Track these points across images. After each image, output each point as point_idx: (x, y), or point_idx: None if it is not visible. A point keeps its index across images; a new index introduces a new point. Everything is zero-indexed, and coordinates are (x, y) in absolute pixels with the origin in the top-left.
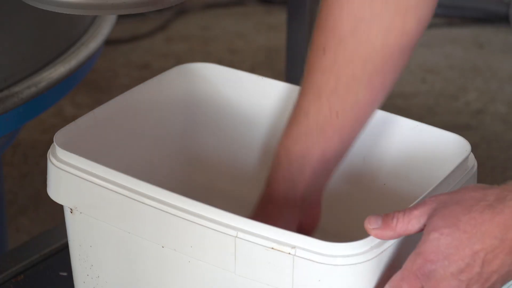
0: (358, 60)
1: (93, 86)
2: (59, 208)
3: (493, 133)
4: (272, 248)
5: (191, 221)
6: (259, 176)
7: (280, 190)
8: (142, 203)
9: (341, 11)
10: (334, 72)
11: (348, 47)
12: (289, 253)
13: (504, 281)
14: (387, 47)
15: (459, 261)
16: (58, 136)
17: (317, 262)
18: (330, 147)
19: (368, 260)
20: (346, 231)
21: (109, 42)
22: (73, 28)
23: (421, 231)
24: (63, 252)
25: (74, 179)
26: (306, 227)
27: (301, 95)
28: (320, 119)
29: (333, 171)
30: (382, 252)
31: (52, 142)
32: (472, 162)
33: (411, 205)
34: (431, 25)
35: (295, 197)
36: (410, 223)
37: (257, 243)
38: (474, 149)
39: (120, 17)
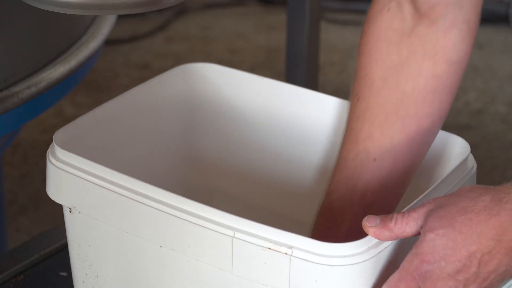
0: (390, 105)
1: (93, 86)
2: (59, 208)
3: (493, 133)
4: (269, 248)
5: (189, 221)
6: (258, 176)
7: (322, 233)
8: (141, 203)
9: (371, 59)
10: (367, 118)
11: (379, 93)
12: (286, 253)
13: (502, 279)
14: (417, 91)
15: (455, 262)
16: (58, 136)
17: (314, 262)
18: (369, 191)
19: (365, 260)
20: None
21: (109, 42)
22: (73, 28)
23: (418, 233)
24: (63, 252)
25: (73, 179)
26: None
27: (342, 144)
28: (358, 164)
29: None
30: (379, 252)
31: (52, 142)
32: (472, 162)
33: (409, 206)
34: None
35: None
36: (408, 224)
37: (254, 243)
38: (474, 149)
39: (120, 17)
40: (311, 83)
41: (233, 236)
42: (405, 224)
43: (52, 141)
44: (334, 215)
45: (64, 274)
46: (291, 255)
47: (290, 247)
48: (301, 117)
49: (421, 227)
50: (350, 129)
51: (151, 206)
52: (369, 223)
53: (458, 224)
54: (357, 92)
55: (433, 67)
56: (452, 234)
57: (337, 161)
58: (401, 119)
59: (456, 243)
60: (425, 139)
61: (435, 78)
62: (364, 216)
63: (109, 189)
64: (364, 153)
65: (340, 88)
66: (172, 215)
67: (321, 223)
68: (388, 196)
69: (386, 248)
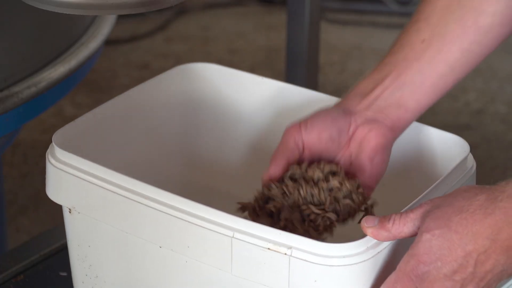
0: None
1: (93, 86)
2: (59, 208)
3: (493, 133)
4: (269, 248)
5: (188, 221)
6: (258, 176)
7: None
8: (140, 203)
9: None
10: (433, 1)
11: None
12: (285, 254)
13: (499, 279)
14: None
15: (452, 262)
16: (57, 136)
17: (313, 262)
18: (404, 71)
19: (364, 260)
20: (345, 231)
21: (109, 42)
22: (73, 28)
23: (416, 234)
24: (63, 252)
25: (72, 179)
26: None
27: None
28: (404, 41)
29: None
30: (378, 253)
31: (51, 142)
32: (471, 162)
33: (408, 206)
34: None
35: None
36: (405, 225)
37: (253, 244)
38: (474, 149)
39: (120, 17)
40: (311, 83)
41: (233, 237)
42: (402, 225)
43: (51, 141)
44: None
45: (64, 274)
46: (291, 255)
47: (289, 248)
48: (301, 117)
49: (418, 228)
50: (416, 11)
51: (150, 207)
52: (367, 223)
53: (454, 224)
54: None
55: None
56: (448, 234)
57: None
58: (461, 9)
59: (452, 243)
60: (479, 38)
61: None
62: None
63: (108, 190)
64: (415, 31)
65: (340, 88)
66: (172, 215)
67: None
68: (420, 85)
69: (385, 248)
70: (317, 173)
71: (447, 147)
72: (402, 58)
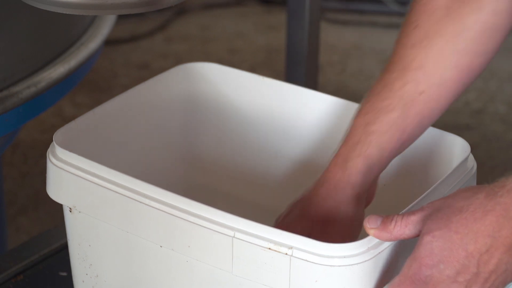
0: (449, 36)
1: (93, 86)
2: (59, 208)
3: (493, 133)
4: (269, 248)
5: (189, 221)
6: (258, 175)
7: (352, 177)
8: (141, 202)
9: None
10: (423, 47)
11: (440, 22)
12: (286, 254)
13: (505, 280)
14: (478, 25)
15: (454, 263)
16: (58, 135)
17: (314, 262)
18: (409, 127)
19: (365, 261)
20: None
21: (109, 42)
22: (73, 28)
23: (417, 236)
24: (63, 252)
25: (73, 178)
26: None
27: (387, 71)
28: (404, 95)
29: (402, 150)
30: (379, 253)
31: (52, 142)
32: (472, 163)
33: (409, 206)
34: None
35: (368, 178)
36: (407, 227)
37: (254, 244)
38: (474, 149)
39: (120, 17)
40: (311, 83)
41: (233, 236)
42: (404, 227)
43: (52, 141)
44: (369, 153)
45: (64, 274)
46: (291, 255)
47: (290, 248)
48: (301, 117)
49: (420, 231)
50: (399, 56)
51: (151, 206)
52: (369, 224)
53: (454, 225)
54: (415, 19)
55: (496, 2)
56: (448, 235)
57: (377, 88)
58: (457, 53)
59: (453, 243)
60: (469, 80)
61: (496, 14)
62: (396, 153)
63: (109, 189)
64: (413, 84)
65: (340, 88)
66: (173, 215)
67: (351, 156)
68: (417, 136)
69: (386, 249)
70: None
71: (447, 147)
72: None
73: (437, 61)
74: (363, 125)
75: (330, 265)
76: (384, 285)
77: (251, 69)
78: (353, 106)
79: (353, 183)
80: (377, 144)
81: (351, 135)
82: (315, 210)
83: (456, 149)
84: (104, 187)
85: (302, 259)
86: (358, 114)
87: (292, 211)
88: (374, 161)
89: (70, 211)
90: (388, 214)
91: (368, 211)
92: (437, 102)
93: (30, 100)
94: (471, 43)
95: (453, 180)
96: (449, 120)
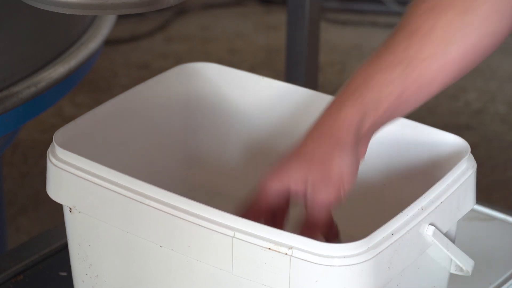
0: (460, 8)
1: (93, 86)
2: (59, 208)
3: (493, 133)
4: (269, 248)
5: (189, 221)
6: (258, 175)
7: (346, 121)
8: (141, 202)
9: None
10: (433, 16)
11: None
12: (286, 254)
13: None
14: (490, 2)
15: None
16: (58, 135)
17: (314, 262)
18: (408, 90)
19: (365, 261)
20: (345, 231)
21: (109, 42)
22: (73, 28)
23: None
24: (62, 252)
25: (73, 178)
26: None
27: (392, 34)
28: (406, 58)
29: (396, 118)
30: (379, 253)
31: (52, 142)
32: (472, 162)
33: (409, 206)
34: None
35: (362, 128)
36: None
37: (254, 244)
38: (474, 149)
39: (120, 17)
40: (311, 83)
41: (233, 236)
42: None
43: (52, 141)
44: (365, 103)
45: (64, 274)
46: (291, 255)
47: (290, 247)
48: (301, 117)
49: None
50: (408, 22)
51: (151, 206)
52: None
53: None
54: None
55: None
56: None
57: (385, 46)
58: (465, 27)
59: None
60: (472, 62)
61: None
62: (392, 115)
63: (109, 189)
64: (417, 49)
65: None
66: (172, 215)
67: (345, 107)
68: (416, 104)
69: (386, 248)
70: None
71: (447, 147)
72: None
73: (444, 31)
74: (362, 78)
75: (330, 265)
76: (384, 285)
77: (251, 69)
78: None
79: (346, 129)
80: (374, 96)
81: (349, 86)
82: (311, 151)
83: (456, 149)
84: (104, 187)
85: (302, 259)
86: (358, 70)
87: (288, 153)
88: (369, 110)
89: (70, 211)
90: (387, 215)
91: (368, 212)
92: (438, 73)
93: (30, 100)
94: (481, 21)
95: (453, 180)
96: (449, 120)
